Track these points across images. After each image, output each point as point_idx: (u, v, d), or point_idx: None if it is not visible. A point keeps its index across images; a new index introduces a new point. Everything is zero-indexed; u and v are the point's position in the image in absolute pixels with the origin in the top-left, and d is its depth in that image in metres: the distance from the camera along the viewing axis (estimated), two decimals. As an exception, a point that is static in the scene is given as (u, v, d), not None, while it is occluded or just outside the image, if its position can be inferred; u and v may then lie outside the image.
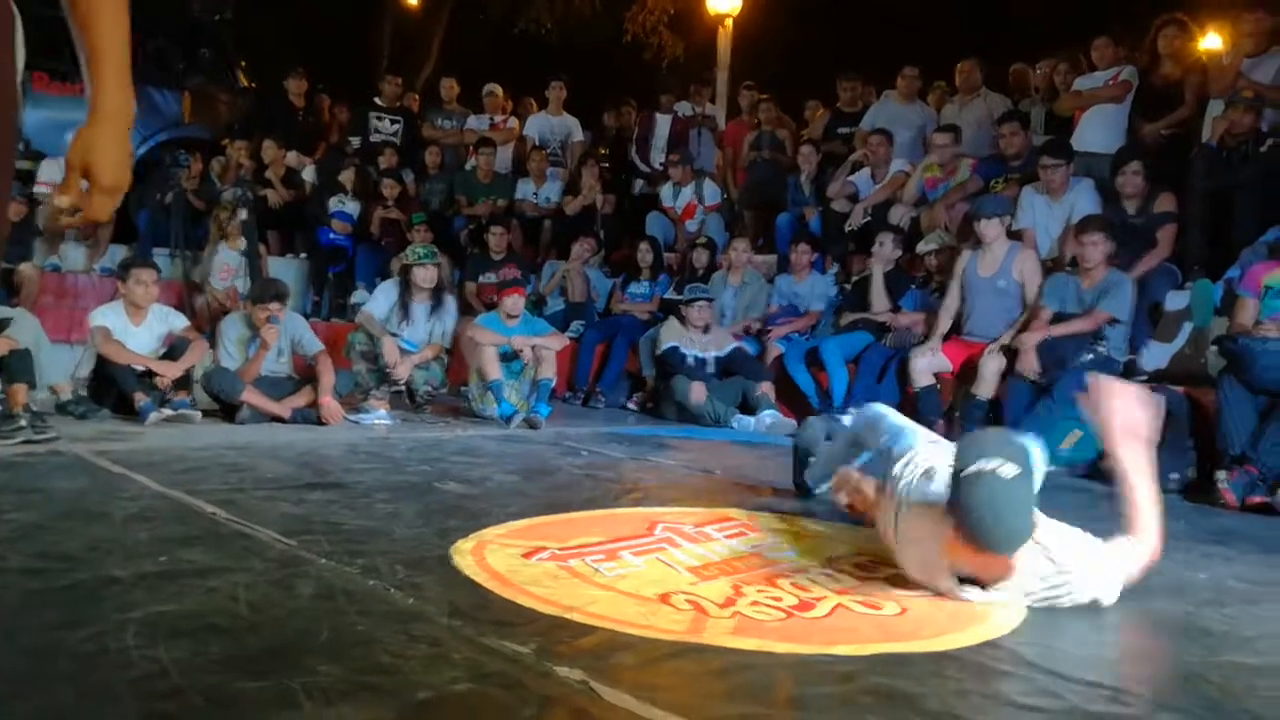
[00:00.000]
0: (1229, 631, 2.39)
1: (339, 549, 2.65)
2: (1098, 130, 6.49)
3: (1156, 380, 5.14)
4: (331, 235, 8.60)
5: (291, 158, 9.36)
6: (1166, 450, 4.57)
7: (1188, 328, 5.46)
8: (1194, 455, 4.63)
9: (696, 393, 6.14)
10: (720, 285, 7.04)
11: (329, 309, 8.64)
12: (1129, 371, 5.24)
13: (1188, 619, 2.48)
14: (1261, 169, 5.56)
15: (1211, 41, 8.89)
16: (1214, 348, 4.89)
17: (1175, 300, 5.49)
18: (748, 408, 6.18)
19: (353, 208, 8.71)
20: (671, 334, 6.48)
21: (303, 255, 9.03)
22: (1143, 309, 5.38)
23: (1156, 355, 5.45)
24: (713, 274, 7.22)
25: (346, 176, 8.77)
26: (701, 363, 6.39)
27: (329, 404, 5.21)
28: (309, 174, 9.30)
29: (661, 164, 8.87)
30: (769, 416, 6.01)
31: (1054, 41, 8.06)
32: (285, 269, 8.41)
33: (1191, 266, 5.61)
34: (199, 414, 5.15)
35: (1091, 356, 5.02)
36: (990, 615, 2.39)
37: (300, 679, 1.75)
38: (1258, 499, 4.23)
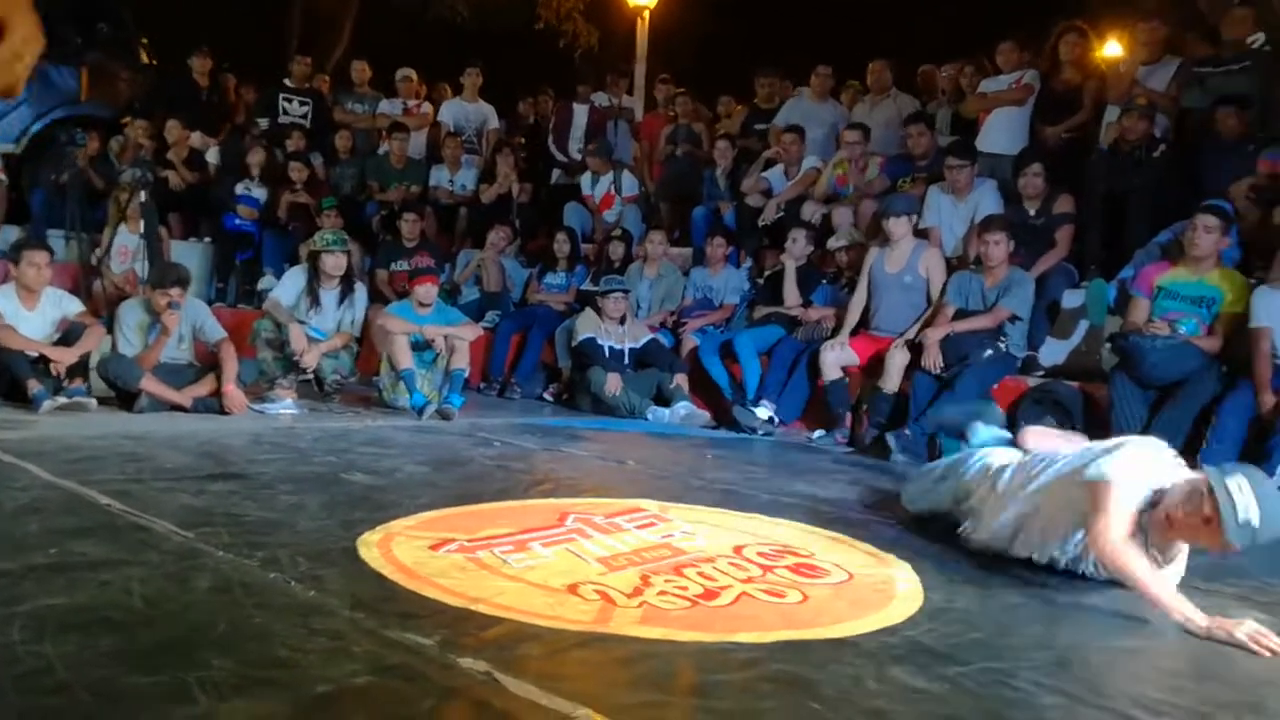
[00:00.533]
0: (1114, 617, 2.50)
1: (239, 541, 2.59)
2: (1001, 132, 6.68)
3: (1053, 375, 5.34)
4: (237, 221, 8.36)
5: (195, 139, 9.08)
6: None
7: (1084, 325, 5.68)
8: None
9: (612, 384, 6.15)
10: (636, 277, 7.06)
11: (235, 295, 8.40)
12: (1027, 367, 5.43)
13: (1075, 605, 2.59)
14: (1154, 173, 5.79)
15: (1111, 49, 9.25)
16: (1108, 345, 5.08)
17: (1072, 299, 5.70)
18: (662, 399, 6.22)
19: (259, 192, 8.48)
20: (587, 325, 6.47)
21: (207, 240, 8.76)
22: (1041, 307, 5.56)
23: (1054, 352, 5.66)
24: (629, 266, 7.23)
25: (253, 160, 8.53)
26: (617, 354, 6.40)
27: (232, 392, 5.07)
28: (213, 156, 9.02)
29: (580, 153, 8.84)
30: (683, 408, 6.05)
31: (962, 44, 8.26)
32: (188, 253, 8.15)
33: (1088, 266, 5.82)
34: (94, 402, 4.96)
35: (992, 352, 5.18)
36: (888, 604, 2.46)
37: (194, 673, 1.72)
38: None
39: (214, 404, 5.08)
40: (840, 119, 7.75)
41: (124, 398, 5.04)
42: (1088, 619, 2.48)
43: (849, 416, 5.59)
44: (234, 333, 5.57)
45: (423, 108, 9.46)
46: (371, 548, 2.63)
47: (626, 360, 6.39)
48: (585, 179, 8.41)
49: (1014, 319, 5.31)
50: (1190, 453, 4.44)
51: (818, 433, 5.71)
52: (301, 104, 9.38)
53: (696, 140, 8.60)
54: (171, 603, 2.12)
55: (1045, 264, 5.69)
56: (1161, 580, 2.52)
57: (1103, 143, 6.38)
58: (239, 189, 8.42)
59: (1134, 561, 2.47)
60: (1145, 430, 4.52)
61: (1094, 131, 6.59)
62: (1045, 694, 1.92)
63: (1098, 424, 4.76)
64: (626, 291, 6.58)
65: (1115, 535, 2.50)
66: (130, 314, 5.31)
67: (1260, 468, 4.04)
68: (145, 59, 10.54)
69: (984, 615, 2.44)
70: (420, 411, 5.43)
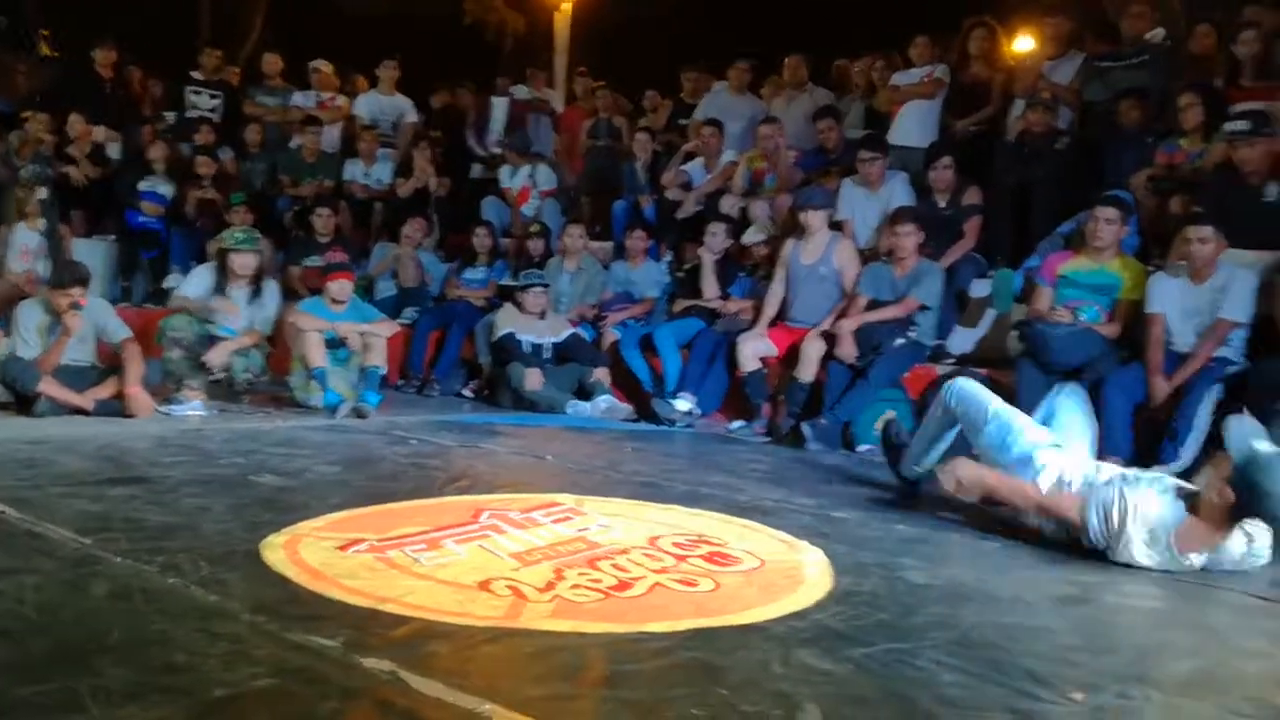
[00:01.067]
0: (1013, 596, 2.58)
1: (139, 547, 2.52)
2: (912, 125, 6.82)
3: (961, 363, 5.46)
4: (141, 218, 8.10)
5: (99, 133, 8.78)
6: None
7: (991, 314, 5.83)
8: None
9: (532, 379, 6.12)
10: (556, 271, 7.03)
11: (143, 294, 8.15)
12: (937, 355, 5.55)
13: (978, 585, 2.66)
14: (1058, 165, 5.97)
15: (1019, 44, 9.51)
16: (1014, 332, 5.23)
17: (980, 288, 5.85)
18: (583, 393, 6.21)
19: (165, 188, 8.23)
20: (508, 320, 6.43)
21: (111, 237, 8.48)
22: (950, 296, 5.70)
23: (963, 340, 5.80)
24: (549, 260, 7.21)
25: (155, 155, 8.26)
26: (537, 349, 6.37)
27: (136, 394, 4.92)
28: (116, 150, 8.73)
29: (498, 145, 8.76)
30: (604, 402, 6.06)
31: (877, 39, 8.40)
32: (91, 251, 7.87)
33: (995, 256, 5.97)
34: (-9, 406, 4.79)
35: (903, 341, 5.29)
36: (797, 589, 2.49)
37: (87, 681, 1.67)
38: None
39: (117, 406, 4.93)
40: (759, 112, 7.82)
41: (22, 401, 4.87)
42: (990, 600, 2.55)
43: (767, 407, 5.65)
44: (140, 333, 5.41)
45: (337, 101, 9.27)
46: (277, 550, 2.58)
47: (547, 355, 6.37)
48: (504, 172, 8.35)
49: (924, 308, 5.43)
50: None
51: (736, 423, 5.77)
52: (211, 97, 9.14)
53: (617, 134, 8.60)
54: (66, 611, 2.05)
55: (954, 255, 5.83)
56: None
57: (1009, 135, 6.55)
58: (142, 185, 8.16)
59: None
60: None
61: (1002, 124, 6.76)
62: (946, 672, 1.97)
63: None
64: (546, 286, 6.56)
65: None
66: (29, 315, 5.13)
67: (1159, 453, 4.25)
68: (46, 51, 10.18)
69: (890, 598, 2.49)
70: (334, 410, 5.34)
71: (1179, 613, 2.49)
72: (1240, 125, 4.88)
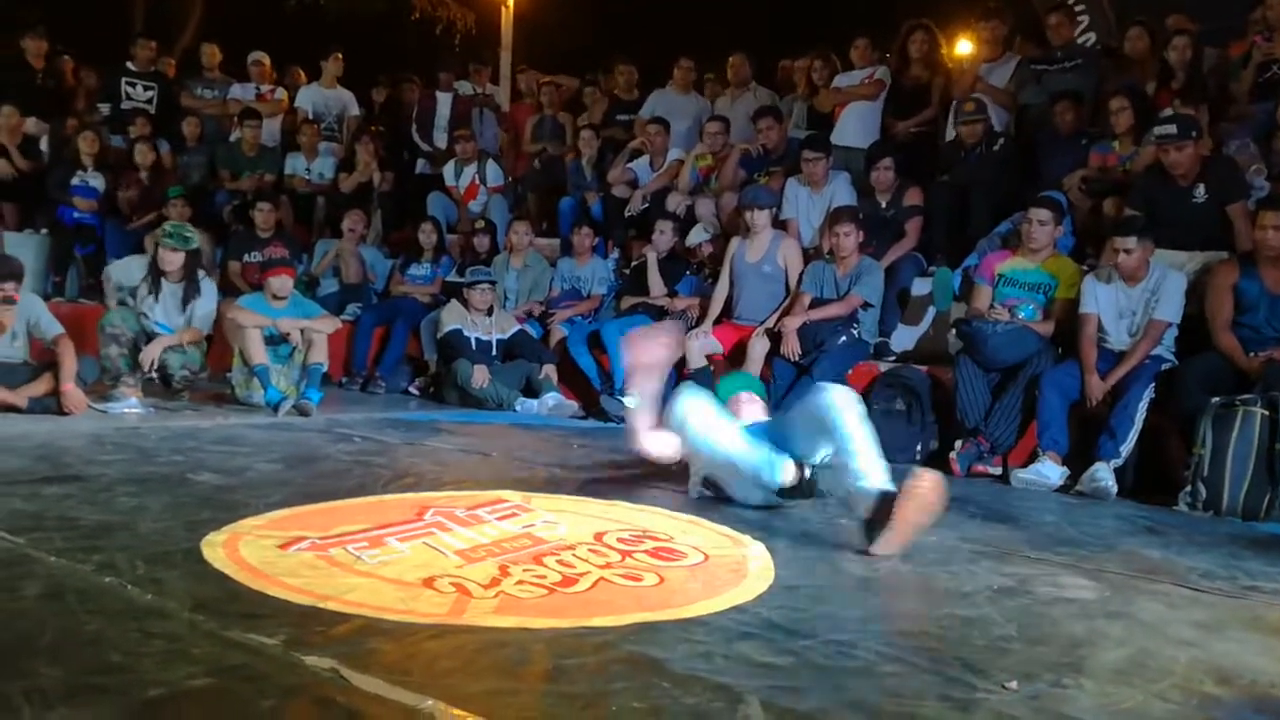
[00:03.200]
0: (951, 588, 2.63)
1: (73, 546, 2.47)
2: (854, 126, 6.90)
3: (903, 360, 5.56)
4: (75, 214, 7.90)
5: (30, 124, 8.54)
6: (912, 425, 5.01)
7: (931, 312, 5.93)
8: (936, 429, 5.03)
9: (479, 376, 6.10)
10: (503, 268, 7.01)
11: (78, 288, 7.95)
12: (879, 352, 5.64)
13: (916, 578, 2.72)
14: (995, 166, 6.09)
15: (961, 46, 9.67)
16: (953, 330, 5.33)
17: (920, 286, 5.95)
18: (531, 390, 6.20)
19: (96, 181, 8.03)
20: (453, 316, 6.39)
21: (43, 231, 8.25)
22: (891, 294, 5.79)
23: (904, 337, 5.90)
24: (495, 257, 7.18)
25: (85, 148, 8.06)
26: (484, 346, 6.34)
27: (71, 391, 4.81)
28: (46, 144, 8.51)
29: (444, 142, 8.69)
30: (552, 399, 6.06)
31: (817, 39, 8.49)
32: (23, 245, 7.67)
33: (935, 255, 6.08)
34: (-83, 404, 4.64)
35: (846, 339, 5.36)
36: (740, 582, 2.52)
37: (18, 683, 1.64)
38: (981, 468, 4.67)
39: (51, 404, 4.81)
40: (704, 111, 7.87)
41: (-49, 400, 4.73)
42: (928, 592, 2.60)
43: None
44: (74, 328, 5.29)
45: (276, 93, 9.14)
46: (216, 548, 2.54)
47: (494, 352, 6.35)
48: (449, 169, 8.29)
49: (866, 306, 5.51)
50: (1025, 426, 4.72)
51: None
52: (146, 89, 8.94)
53: (561, 132, 8.59)
54: (-3, 612, 2.01)
55: (895, 254, 5.92)
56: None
57: (948, 137, 6.66)
58: (74, 180, 7.96)
59: None
60: (989, 412, 4.78)
61: (942, 125, 6.88)
62: (885, 662, 2.00)
63: (944, 405, 4.99)
64: (493, 282, 6.53)
65: None
66: (-42, 311, 4.97)
67: (1096, 449, 4.36)
68: (-28, 40, 9.86)
69: (832, 590, 2.53)
70: (276, 408, 5.26)
71: (1111, 604, 2.55)
72: (1169, 129, 5.02)
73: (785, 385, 5.34)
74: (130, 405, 5.08)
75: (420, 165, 8.92)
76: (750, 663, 1.95)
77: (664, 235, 6.51)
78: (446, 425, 5.33)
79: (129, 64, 9.05)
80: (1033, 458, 4.58)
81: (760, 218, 5.88)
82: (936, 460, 4.79)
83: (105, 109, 8.90)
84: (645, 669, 1.88)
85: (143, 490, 3.20)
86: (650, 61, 8.79)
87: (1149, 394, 4.47)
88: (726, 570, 2.65)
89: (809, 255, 6.02)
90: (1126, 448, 4.39)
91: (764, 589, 2.47)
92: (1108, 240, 4.88)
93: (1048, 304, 5.00)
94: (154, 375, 5.41)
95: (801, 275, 5.74)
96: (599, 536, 2.93)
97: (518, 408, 6.04)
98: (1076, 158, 5.90)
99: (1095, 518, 3.83)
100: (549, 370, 6.25)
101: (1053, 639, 2.25)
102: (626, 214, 7.31)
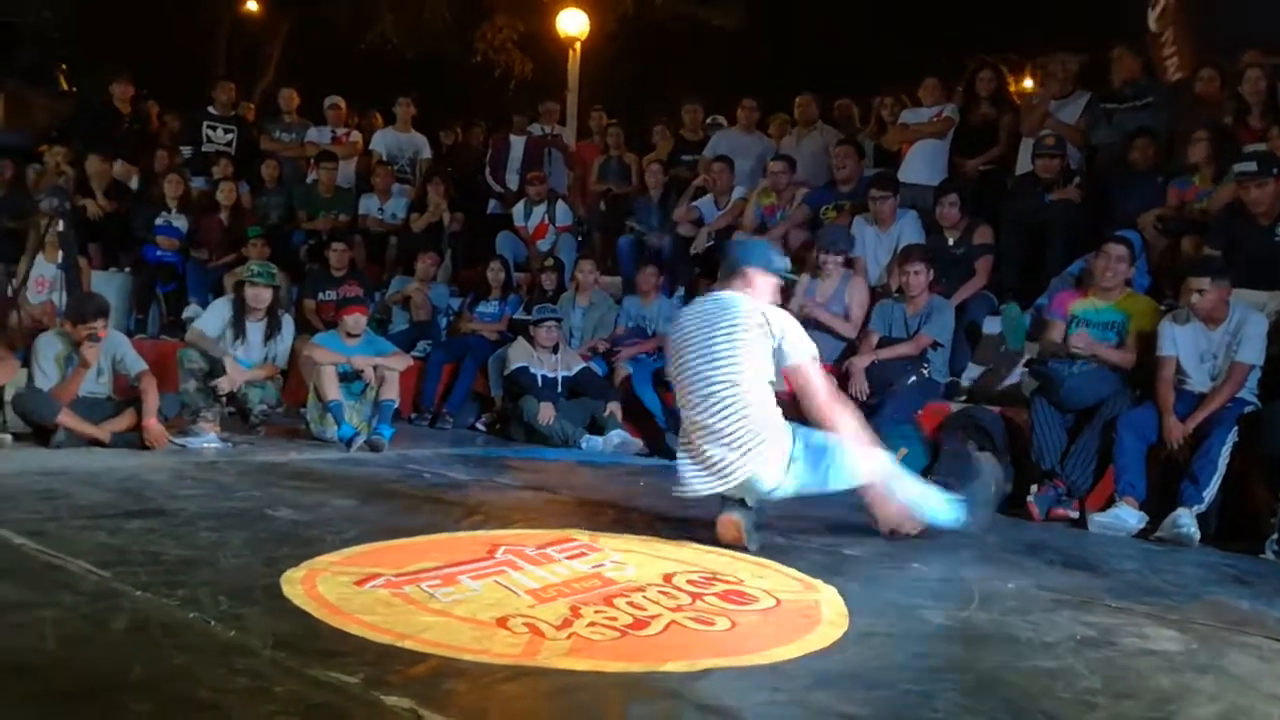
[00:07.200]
0: (1031, 638, 2.56)
1: (157, 580, 2.53)
2: (922, 163, 6.85)
3: (974, 400, 5.46)
4: (158, 253, 8.18)
5: (117, 168, 8.88)
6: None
7: (1003, 351, 5.82)
8: (1012, 471, 4.92)
9: (545, 413, 6.14)
10: (569, 306, 7.07)
11: (159, 326, 8.21)
12: (950, 392, 5.55)
13: (995, 626, 2.65)
14: (1068, 205, 5.99)
15: (1026, 83, 9.59)
16: (1024, 370, 5.23)
17: (991, 325, 5.85)
18: (596, 428, 6.22)
19: (180, 222, 8.32)
20: (520, 354, 6.46)
21: (126, 270, 8.55)
22: (962, 333, 5.71)
23: (975, 377, 5.79)
24: (561, 294, 7.25)
25: (170, 191, 8.37)
26: (550, 383, 6.39)
27: (152, 426, 4.95)
28: (135, 183, 8.83)
29: (517, 184, 8.83)
30: (617, 436, 6.07)
31: (886, 79, 8.48)
32: (107, 284, 7.93)
33: (1006, 294, 5.98)
34: (10, 438, 4.83)
35: (915, 378, 5.29)
36: (814, 629, 2.49)
37: (112, 718, 1.68)
38: (1061, 512, 4.55)
39: (134, 439, 4.96)
40: (767, 150, 7.89)
41: (40, 433, 4.91)
42: (1008, 641, 2.54)
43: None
44: (155, 365, 5.45)
45: (351, 136, 9.38)
46: (295, 585, 2.59)
47: (559, 389, 6.39)
48: (519, 209, 8.42)
49: (936, 345, 5.44)
50: (1102, 470, 4.60)
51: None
52: (226, 131, 9.24)
53: (626, 172, 8.68)
54: (87, 645, 2.07)
55: (965, 293, 5.84)
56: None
57: (1018, 174, 6.58)
58: (158, 220, 8.25)
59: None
60: (1065, 454, 4.67)
61: (1011, 163, 6.80)
62: (965, 715, 1.96)
63: (1019, 447, 4.89)
64: (559, 320, 6.59)
65: None
66: (48, 347, 5.16)
67: (1179, 495, 4.23)
68: (64, 85, 10.33)
69: (907, 638, 2.48)
70: (349, 443, 5.36)
71: (1199, 657, 2.47)
72: (1249, 166, 4.91)
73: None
74: (208, 440, 5.21)
75: (491, 206, 9.07)
76: (828, 712, 1.92)
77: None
78: (513, 462, 5.38)
79: (210, 108, 9.37)
80: (1110, 501, 4.45)
81: (834, 262, 5.87)
82: (1012, 503, 4.68)
83: (187, 151, 9.21)
84: (720, 717, 1.87)
85: (222, 525, 3.28)
86: (715, 99, 8.87)
87: (1232, 438, 4.33)
88: (799, 615, 2.62)
89: (876, 294, 5.97)
90: (1210, 493, 4.25)
91: (838, 636, 2.43)
92: (1185, 280, 4.77)
93: (1120, 343, 4.88)
94: (235, 410, 5.55)
95: (869, 314, 5.69)
96: (668, 578, 2.92)
97: (583, 445, 6.07)
98: (1152, 196, 5.78)
99: (1178, 565, 3.71)
100: (614, 408, 6.27)
101: (1140, 693, 2.18)
102: (692, 252, 7.34)
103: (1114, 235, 5.14)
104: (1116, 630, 2.66)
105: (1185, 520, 4.15)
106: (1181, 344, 4.60)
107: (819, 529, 3.83)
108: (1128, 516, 4.32)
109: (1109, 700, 2.11)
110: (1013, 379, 5.51)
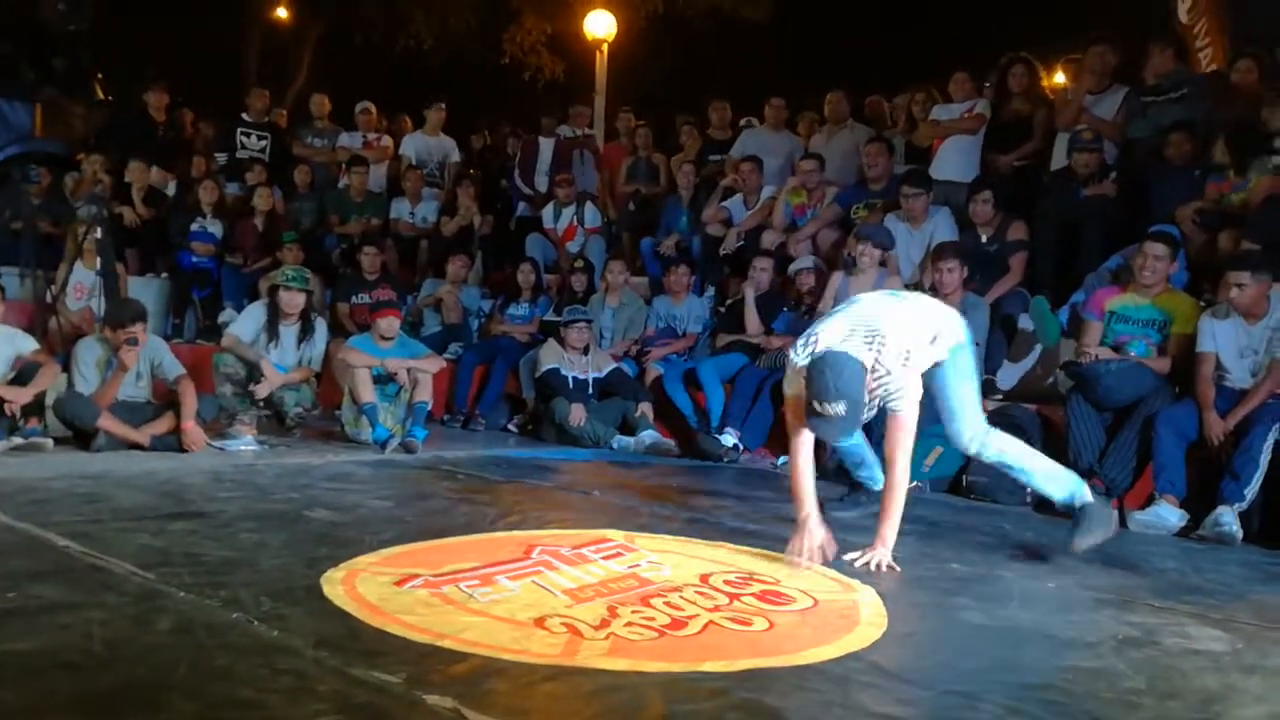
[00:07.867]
0: (1074, 638, 2.54)
1: (200, 581, 2.56)
2: (954, 160, 6.78)
3: (1010, 399, 5.41)
4: (194, 259, 8.29)
5: (154, 174, 9.01)
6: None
7: (1039, 349, 5.77)
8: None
9: (576, 414, 6.15)
10: (599, 307, 7.08)
11: (195, 330, 8.31)
12: (985, 390, 5.49)
13: (1037, 626, 2.63)
14: (1104, 201, 5.92)
15: (1059, 77, 9.46)
16: (1060, 371, 5.17)
17: (1027, 323, 5.78)
18: (627, 428, 6.22)
19: (215, 228, 8.42)
20: (551, 356, 6.48)
21: (163, 275, 8.67)
22: (997, 331, 5.65)
23: (1010, 375, 5.74)
24: (591, 296, 7.26)
25: (205, 197, 8.48)
26: (581, 384, 6.40)
27: (191, 430, 5.01)
28: (172, 189, 8.96)
29: (546, 186, 8.86)
30: (648, 436, 6.07)
31: (912, 76, 8.41)
32: (144, 289, 8.05)
33: (1041, 291, 5.91)
34: (51, 442, 4.88)
35: (950, 376, 5.23)
36: (853, 629, 2.48)
37: (158, 717, 1.70)
38: (1101, 510, 4.48)
39: (173, 442, 5.01)
40: (796, 149, 7.87)
41: (81, 437, 4.97)
42: (1050, 641, 2.51)
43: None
44: (192, 369, 5.51)
45: (382, 140, 9.46)
46: (335, 585, 2.61)
47: (590, 390, 6.40)
48: (548, 211, 8.45)
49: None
50: (1141, 468, 4.54)
51: (782, 459, 5.73)
52: (259, 138, 9.35)
53: (655, 173, 8.69)
54: (132, 645, 2.09)
55: (999, 290, 5.79)
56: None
57: (1053, 169, 6.51)
58: (194, 226, 8.36)
59: None
60: (1103, 453, 4.62)
61: (1045, 159, 6.72)
62: (1010, 715, 1.94)
63: (1056, 446, 4.83)
64: (589, 321, 6.60)
65: None
66: (88, 352, 5.23)
67: (1220, 492, 4.17)
68: (100, 94, 10.47)
69: (948, 639, 2.47)
70: (383, 445, 5.40)
71: (1244, 656, 2.43)
72: (1287, 157, 4.83)
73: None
74: (245, 443, 5.27)
75: (521, 208, 9.11)
76: (869, 713, 1.91)
77: (764, 273, 6.50)
78: (546, 463, 5.39)
79: (244, 115, 9.49)
80: (1149, 500, 4.40)
81: (871, 253, 5.83)
82: (1047, 503, 4.62)
83: (222, 158, 9.33)
84: (761, 717, 1.86)
85: (262, 526, 3.31)
86: (743, 98, 8.84)
87: (1274, 434, 4.25)
88: (837, 616, 2.60)
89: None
90: (1251, 490, 4.19)
91: (877, 636, 2.42)
92: (1224, 275, 4.69)
93: (1161, 341, 4.81)
94: (272, 412, 5.61)
95: (903, 312, 5.64)
96: (704, 578, 2.92)
97: (614, 445, 6.08)
98: (1190, 190, 5.69)
99: (1220, 564, 3.66)
100: (645, 408, 6.27)
101: (1185, 693, 2.15)
102: (722, 252, 7.33)
103: (1153, 231, 5.07)
104: (1159, 630, 2.63)
105: (1227, 518, 4.09)
106: (1221, 339, 4.53)
107: (855, 530, 3.80)
108: (1168, 515, 4.27)
109: (1154, 701, 2.08)
110: (1052, 379, 5.46)
